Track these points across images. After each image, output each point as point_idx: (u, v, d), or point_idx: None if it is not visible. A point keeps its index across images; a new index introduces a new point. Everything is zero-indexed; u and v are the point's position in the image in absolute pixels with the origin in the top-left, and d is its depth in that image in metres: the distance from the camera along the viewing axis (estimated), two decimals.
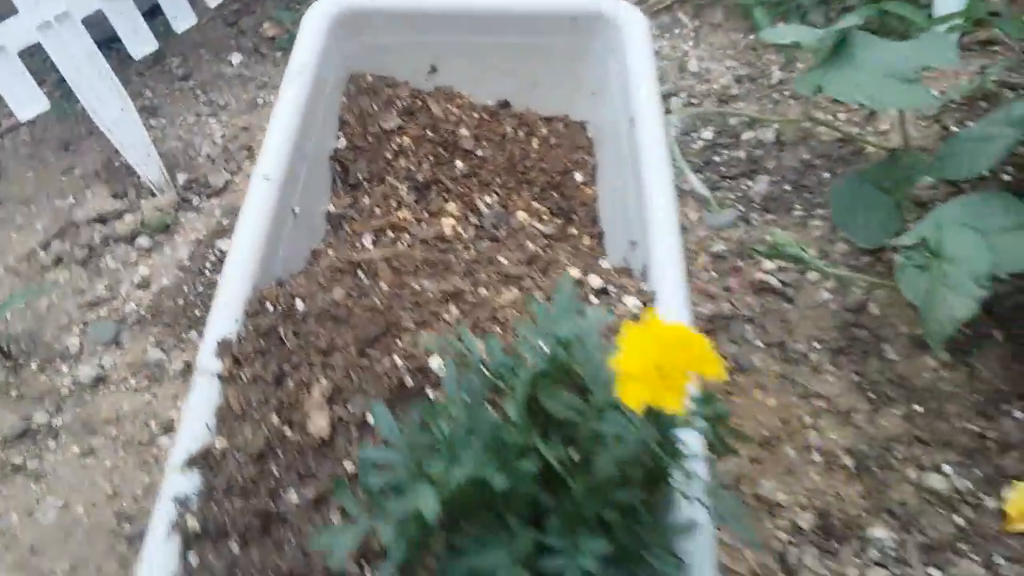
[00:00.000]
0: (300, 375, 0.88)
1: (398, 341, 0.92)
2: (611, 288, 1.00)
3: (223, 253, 1.47)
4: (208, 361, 0.89)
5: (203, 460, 0.82)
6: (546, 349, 0.70)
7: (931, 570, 1.16)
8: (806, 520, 1.21)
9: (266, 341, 0.91)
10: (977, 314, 1.40)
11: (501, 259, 1.02)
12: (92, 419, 1.31)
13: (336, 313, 0.93)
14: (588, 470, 0.67)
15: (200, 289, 1.45)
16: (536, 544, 0.65)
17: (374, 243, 1.07)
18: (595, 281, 1.00)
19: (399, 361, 0.89)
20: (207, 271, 1.48)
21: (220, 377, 0.88)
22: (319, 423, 0.84)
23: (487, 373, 0.72)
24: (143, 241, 1.53)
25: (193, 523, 0.78)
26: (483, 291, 0.97)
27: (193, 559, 0.77)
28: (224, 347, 0.90)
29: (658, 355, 0.50)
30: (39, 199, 1.63)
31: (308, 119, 1.14)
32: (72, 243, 1.53)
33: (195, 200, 1.61)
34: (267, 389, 0.87)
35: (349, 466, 0.83)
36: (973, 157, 1.34)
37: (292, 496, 0.81)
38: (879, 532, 1.20)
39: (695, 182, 1.38)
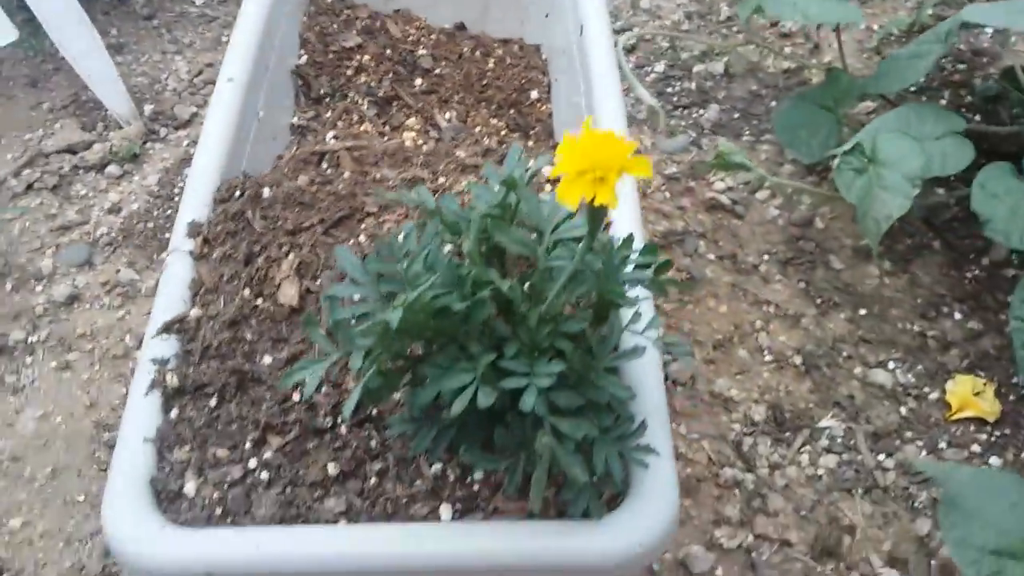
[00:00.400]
0: (269, 253, 0.92)
1: (362, 224, 0.97)
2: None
3: None
4: (180, 242, 0.93)
5: (179, 327, 0.87)
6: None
7: (880, 456, 1.23)
8: (759, 413, 1.27)
9: (235, 224, 0.95)
10: (917, 224, 1.48)
11: (459, 153, 1.07)
12: (68, 335, 1.35)
13: (301, 199, 0.97)
14: (540, 302, 0.72)
15: (169, 213, 1.49)
16: (497, 369, 0.70)
17: (335, 139, 1.11)
18: (547, 171, 1.05)
19: (363, 240, 0.94)
20: (176, 197, 1.52)
21: (192, 255, 0.92)
22: (289, 292, 0.89)
23: (443, 224, 0.77)
24: (112, 169, 1.57)
25: (172, 380, 0.83)
26: (442, 179, 1.02)
27: (173, 413, 0.82)
28: (195, 228, 0.94)
29: (591, 156, 0.56)
30: (8, 133, 1.65)
31: (268, 32, 1.19)
32: (42, 171, 1.56)
33: (162, 132, 1.65)
34: (238, 267, 0.92)
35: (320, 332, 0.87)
36: (906, 71, 1.41)
37: (266, 359, 0.86)
38: (828, 423, 1.27)
39: (644, 94, 1.45)
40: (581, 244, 0.65)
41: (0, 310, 1.38)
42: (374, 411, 0.82)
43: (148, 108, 1.68)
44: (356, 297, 0.75)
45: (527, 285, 0.74)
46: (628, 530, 0.74)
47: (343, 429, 0.80)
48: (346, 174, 1.02)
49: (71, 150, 1.59)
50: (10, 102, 1.71)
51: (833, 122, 1.49)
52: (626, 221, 0.92)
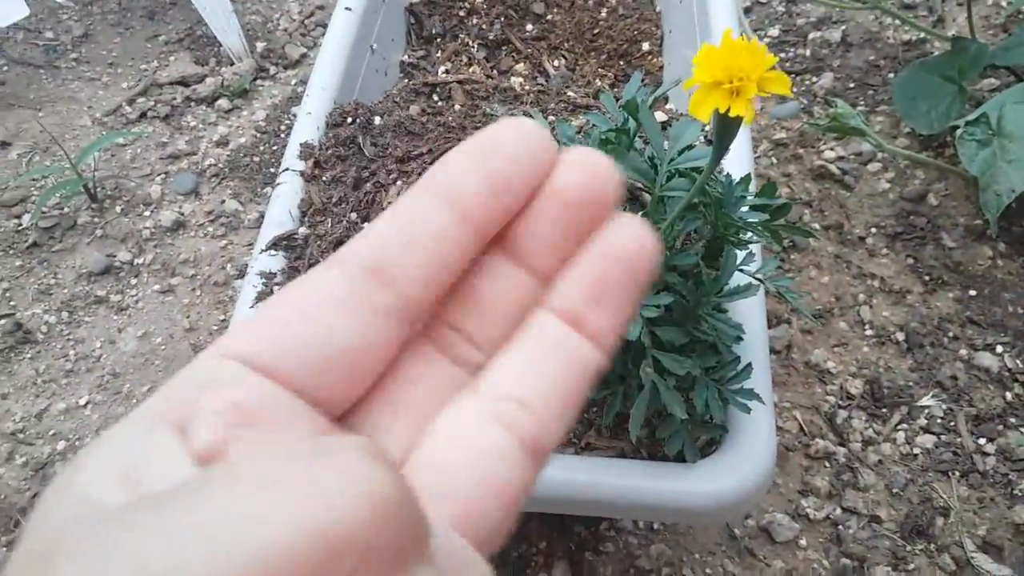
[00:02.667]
0: (377, 179, 0.93)
1: None
2: (674, 123, 1.04)
3: None
4: (292, 161, 0.94)
5: (287, 243, 0.88)
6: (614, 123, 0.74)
7: (980, 440, 1.18)
8: (855, 387, 1.23)
9: (346, 149, 0.96)
10: None
11: (569, 93, 1.06)
12: (171, 260, 1.38)
13: (411, 128, 0.97)
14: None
15: (275, 149, 1.52)
16: None
17: (447, 73, 1.11)
18: (659, 116, 1.04)
19: None
20: (282, 134, 1.54)
21: (303, 176, 0.93)
22: None
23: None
24: (223, 103, 1.60)
25: None
26: (551, 118, 1.01)
27: None
28: (307, 150, 0.95)
29: (728, 65, 0.53)
30: (124, 62, 1.70)
31: None
32: (156, 101, 1.60)
33: (272, 70, 1.67)
34: (346, 190, 0.92)
35: None
36: None
37: None
38: (928, 402, 1.22)
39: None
40: (706, 165, 0.63)
41: (109, 231, 1.42)
42: None
43: (260, 46, 1.70)
44: None
45: (640, 215, 0.73)
46: (724, 476, 0.73)
47: None
48: (456, 106, 1.02)
49: (184, 82, 1.62)
50: (128, 32, 1.76)
51: (955, 93, 1.43)
52: (740, 163, 0.90)
